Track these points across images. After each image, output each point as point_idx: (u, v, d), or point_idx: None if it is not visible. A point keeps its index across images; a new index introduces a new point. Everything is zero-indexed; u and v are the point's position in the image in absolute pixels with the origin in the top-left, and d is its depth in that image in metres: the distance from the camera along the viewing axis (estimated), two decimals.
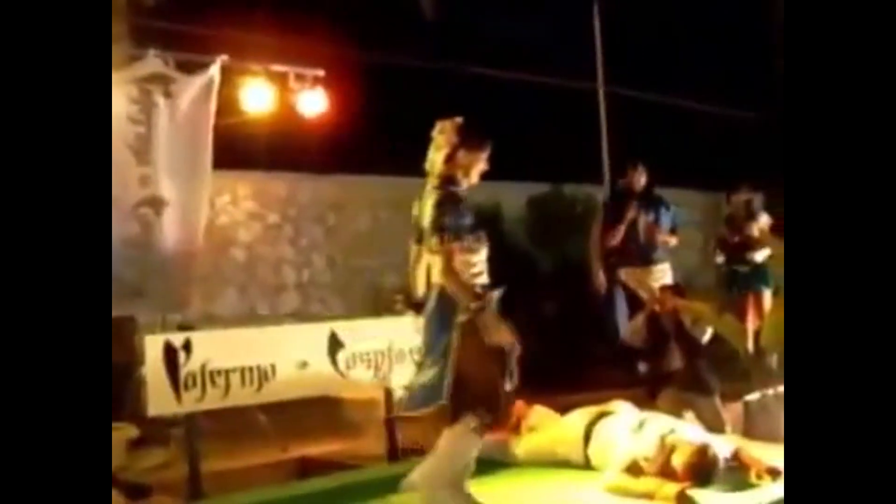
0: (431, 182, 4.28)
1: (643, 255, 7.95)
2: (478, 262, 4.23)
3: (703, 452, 4.59)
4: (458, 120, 4.30)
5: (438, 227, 4.12)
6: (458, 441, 4.16)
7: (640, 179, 8.06)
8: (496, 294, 4.22)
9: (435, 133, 4.32)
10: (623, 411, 5.18)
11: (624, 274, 7.98)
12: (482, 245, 4.26)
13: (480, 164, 4.32)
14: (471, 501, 4.22)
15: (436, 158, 4.28)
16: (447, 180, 4.24)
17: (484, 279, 4.25)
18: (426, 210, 4.23)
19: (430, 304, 4.23)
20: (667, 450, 4.62)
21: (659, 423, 4.89)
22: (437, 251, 4.14)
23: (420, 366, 4.34)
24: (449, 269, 4.12)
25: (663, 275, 7.91)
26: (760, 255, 8.43)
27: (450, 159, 4.25)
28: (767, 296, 8.41)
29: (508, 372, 4.17)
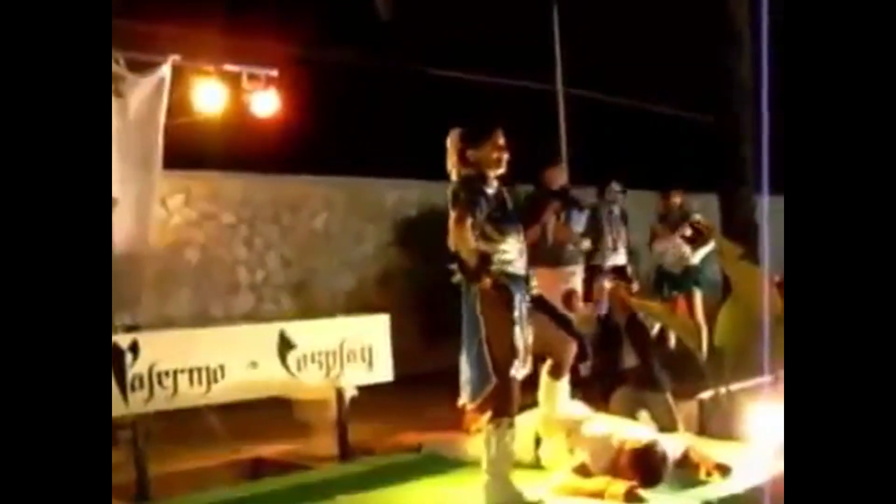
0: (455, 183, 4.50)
1: (552, 256, 7.56)
2: (509, 250, 4.45)
3: (651, 450, 4.60)
4: (456, 128, 4.56)
5: (452, 201, 4.37)
6: (487, 439, 4.46)
7: (560, 178, 7.91)
8: None
9: (447, 143, 4.57)
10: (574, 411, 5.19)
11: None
12: (510, 232, 4.49)
13: (495, 152, 4.53)
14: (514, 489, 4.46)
15: (451, 164, 4.54)
16: (472, 178, 4.47)
17: (518, 267, 4.49)
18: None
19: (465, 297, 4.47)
20: (614, 449, 4.63)
21: (608, 423, 4.91)
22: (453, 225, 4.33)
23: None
24: (458, 233, 4.30)
25: (572, 277, 7.67)
26: (697, 257, 8.48)
27: (462, 161, 4.49)
28: (699, 295, 8.45)
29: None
